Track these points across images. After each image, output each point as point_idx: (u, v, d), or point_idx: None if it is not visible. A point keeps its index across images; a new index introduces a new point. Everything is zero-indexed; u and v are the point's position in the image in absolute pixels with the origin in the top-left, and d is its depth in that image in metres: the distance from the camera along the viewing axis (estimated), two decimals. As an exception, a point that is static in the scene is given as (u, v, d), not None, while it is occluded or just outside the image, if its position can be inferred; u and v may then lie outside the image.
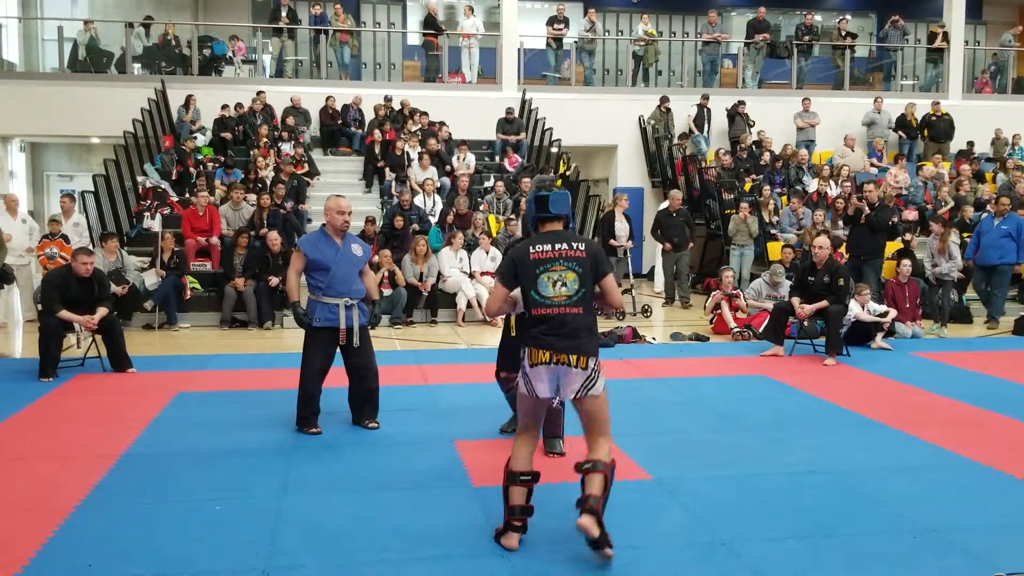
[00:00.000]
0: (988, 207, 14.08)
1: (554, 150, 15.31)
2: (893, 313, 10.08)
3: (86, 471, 5.13)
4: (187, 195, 13.01)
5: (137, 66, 16.60)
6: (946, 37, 18.45)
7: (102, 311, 8.00)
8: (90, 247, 10.03)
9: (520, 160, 15.08)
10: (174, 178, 13.66)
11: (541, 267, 4.04)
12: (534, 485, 4.13)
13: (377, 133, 14.56)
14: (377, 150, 14.30)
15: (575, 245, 4.06)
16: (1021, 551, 4.07)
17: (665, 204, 13.78)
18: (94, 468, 5.18)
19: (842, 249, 11.93)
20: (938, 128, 17.01)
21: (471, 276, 11.64)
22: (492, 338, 10.55)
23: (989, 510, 4.62)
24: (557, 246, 4.06)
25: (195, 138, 14.59)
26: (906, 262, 10.97)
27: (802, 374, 8.12)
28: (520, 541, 4.07)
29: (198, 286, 11.34)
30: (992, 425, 6.41)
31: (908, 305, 10.74)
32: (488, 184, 14.29)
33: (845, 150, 16.05)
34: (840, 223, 12.61)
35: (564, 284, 4.02)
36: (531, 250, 4.08)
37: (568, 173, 14.39)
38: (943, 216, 12.94)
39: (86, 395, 7.29)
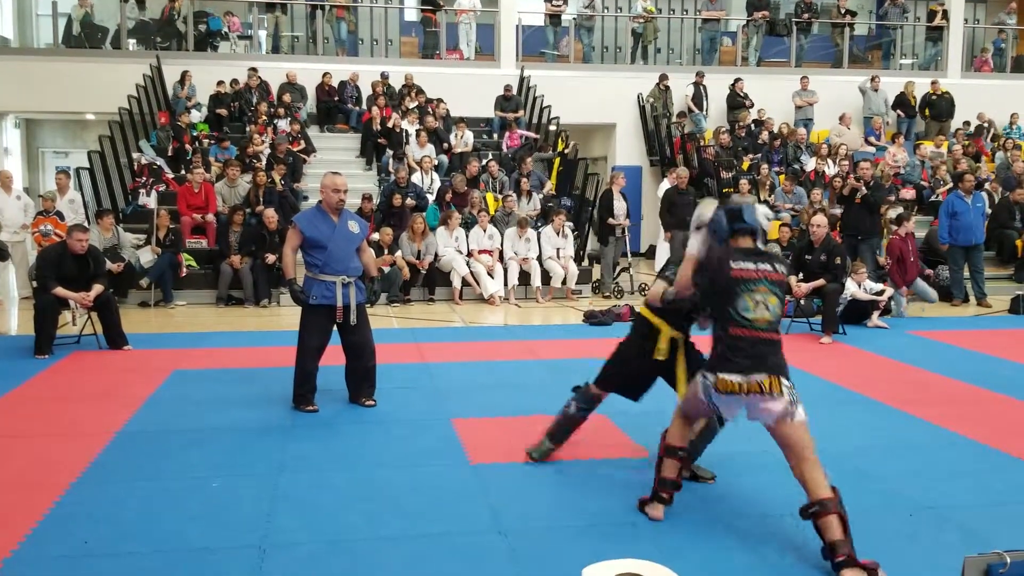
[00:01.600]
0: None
1: (552, 128, 15.24)
2: (889, 292, 10.10)
3: (82, 449, 5.12)
4: (183, 172, 12.95)
5: (132, 42, 16.47)
6: (945, 15, 18.34)
7: (98, 288, 7.99)
8: (85, 224, 9.98)
9: (524, 135, 14.96)
10: (170, 155, 13.59)
11: (745, 286, 3.84)
12: (689, 462, 4.21)
13: (375, 110, 14.47)
14: (377, 126, 14.21)
15: (778, 267, 3.93)
16: (1017, 528, 4.08)
17: (665, 183, 13.74)
18: (90, 446, 5.18)
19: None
20: (939, 107, 16.94)
21: (469, 254, 11.61)
22: (490, 316, 10.57)
23: (985, 488, 4.64)
24: (761, 266, 3.88)
25: (191, 114, 14.50)
26: (911, 219, 10.97)
27: (798, 352, 8.11)
28: (664, 513, 4.12)
29: (194, 263, 11.31)
30: (988, 404, 6.42)
31: (913, 259, 10.71)
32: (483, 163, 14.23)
33: (842, 128, 16.00)
34: (836, 202, 12.58)
35: (767, 308, 3.84)
36: (732, 266, 3.87)
37: (567, 151, 14.33)
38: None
39: (82, 373, 7.28)
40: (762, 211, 4.08)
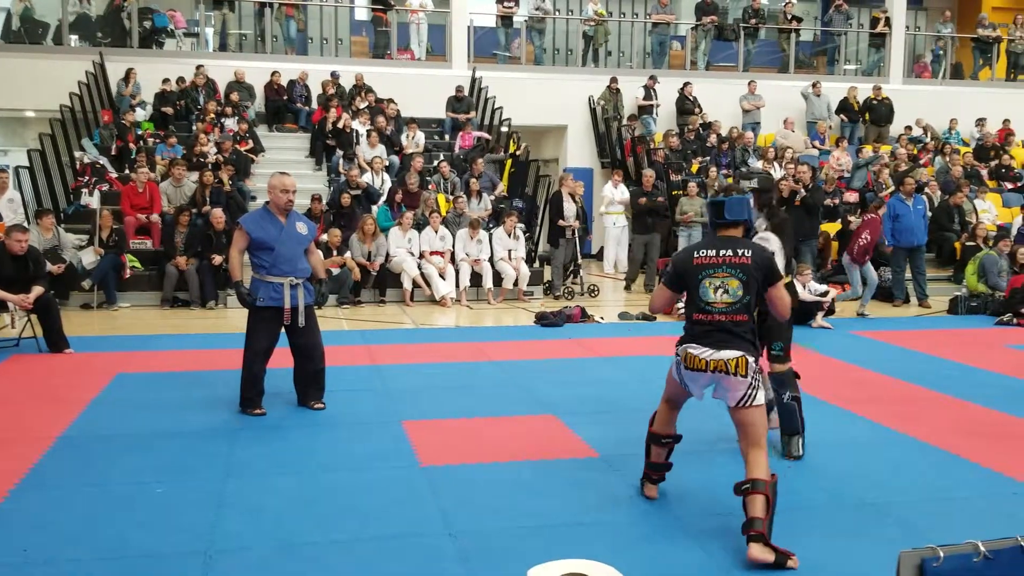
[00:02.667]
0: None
1: (504, 129, 15.26)
2: (833, 293, 10.30)
3: (22, 454, 5.00)
4: (127, 171, 12.71)
5: (74, 38, 16.12)
6: (888, 22, 18.76)
7: (37, 290, 7.81)
8: (25, 224, 9.75)
9: (477, 136, 14.95)
10: (113, 154, 13.33)
11: (705, 272, 3.98)
12: (674, 445, 4.38)
13: (332, 111, 14.35)
14: (329, 127, 14.09)
15: (740, 252, 3.97)
16: (954, 523, 4.19)
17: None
18: (30, 451, 5.06)
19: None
20: (879, 112, 17.34)
21: (420, 256, 11.58)
22: (441, 318, 10.55)
23: (925, 484, 4.75)
24: (723, 252, 3.99)
25: (135, 112, 14.24)
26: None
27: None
28: (658, 492, 4.42)
29: (138, 265, 11.11)
30: (928, 402, 6.58)
31: (872, 240, 11.18)
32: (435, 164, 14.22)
33: (787, 132, 16.27)
34: (777, 205, 12.77)
35: (726, 291, 3.94)
36: (695, 255, 4.04)
37: (518, 153, 14.36)
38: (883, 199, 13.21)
39: (21, 376, 7.11)
40: (748, 203, 4.19)
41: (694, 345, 3.98)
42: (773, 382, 5.11)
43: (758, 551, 3.65)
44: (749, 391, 3.89)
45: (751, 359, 3.90)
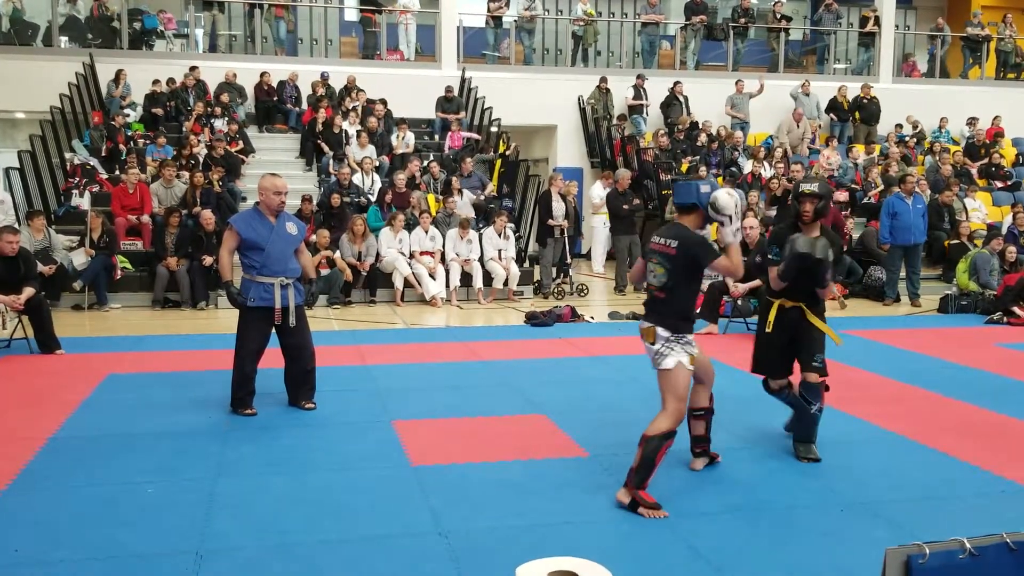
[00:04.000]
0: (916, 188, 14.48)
1: (494, 129, 15.26)
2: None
3: (13, 455, 4.99)
4: (117, 172, 12.68)
5: (64, 39, 16.07)
6: (877, 21, 18.83)
7: (28, 291, 7.80)
8: (15, 226, 9.72)
9: (467, 136, 14.96)
10: (103, 155, 13.29)
11: (650, 255, 4.42)
12: (710, 417, 4.81)
13: (321, 111, 14.34)
14: (320, 128, 14.07)
15: (669, 242, 4.32)
16: (941, 521, 4.22)
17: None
18: (21, 452, 5.05)
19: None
20: (868, 111, 17.40)
21: (411, 256, 11.58)
22: (432, 318, 10.55)
23: (914, 483, 4.78)
24: (660, 240, 4.38)
25: (126, 114, 14.20)
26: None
27: (736, 352, 8.24)
28: (704, 465, 4.86)
29: (129, 266, 11.09)
30: (916, 400, 6.62)
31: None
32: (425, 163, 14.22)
33: (791, 124, 16.24)
34: (770, 203, 12.83)
35: (655, 276, 4.37)
36: (651, 240, 4.48)
37: (508, 153, 14.38)
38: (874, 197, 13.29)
39: (12, 377, 7.10)
40: (704, 189, 4.37)
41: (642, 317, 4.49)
42: (803, 389, 5.10)
43: (620, 493, 4.27)
44: (656, 356, 4.31)
45: (660, 329, 4.30)
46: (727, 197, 4.33)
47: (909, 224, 11.53)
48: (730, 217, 4.31)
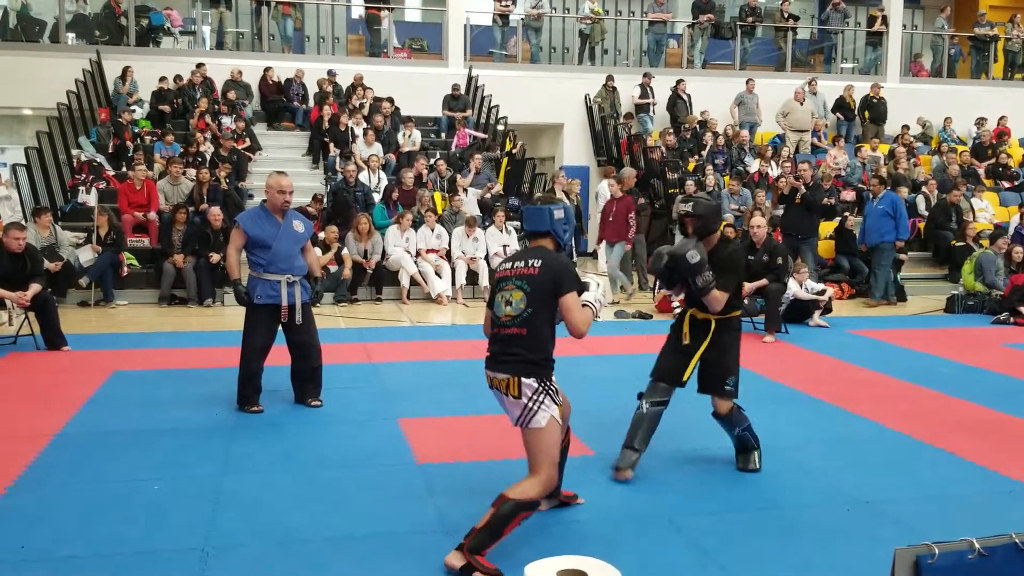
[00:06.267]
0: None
1: (500, 127, 15.25)
2: (830, 292, 10.31)
3: (19, 452, 5.00)
4: (124, 169, 12.71)
5: (71, 36, 16.10)
6: (885, 21, 18.78)
7: (35, 288, 7.82)
8: (22, 222, 9.75)
9: (472, 134, 14.96)
10: (110, 151, 13.32)
11: (499, 285, 3.83)
12: (566, 454, 4.12)
13: (326, 109, 14.35)
14: (326, 125, 14.08)
15: (532, 262, 3.73)
16: (947, 521, 4.20)
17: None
18: (28, 449, 5.06)
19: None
20: (877, 110, 17.36)
21: (417, 254, 11.58)
22: (438, 316, 10.55)
23: (919, 482, 4.77)
24: (517, 264, 3.78)
25: (132, 111, 14.22)
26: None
27: (742, 351, 8.24)
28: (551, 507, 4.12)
29: (135, 263, 11.11)
30: (922, 400, 6.60)
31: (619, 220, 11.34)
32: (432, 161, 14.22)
33: (794, 104, 16.18)
34: (778, 202, 12.80)
35: (510, 304, 3.72)
36: (499, 268, 3.89)
37: (514, 151, 14.37)
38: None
39: (19, 374, 7.11)
40: (558, 215, 3.87)
41: (487, 365, 3.83)
42: (722, 423, 4.88)
43: (451, 556, 3.58)
44: (525, 413, 3.68)
45: (526, 380, 3.67)
46: (594, 287, 3.87)
47: (869, 226, 11.52)
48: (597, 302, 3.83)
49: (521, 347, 3.68)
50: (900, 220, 11.38)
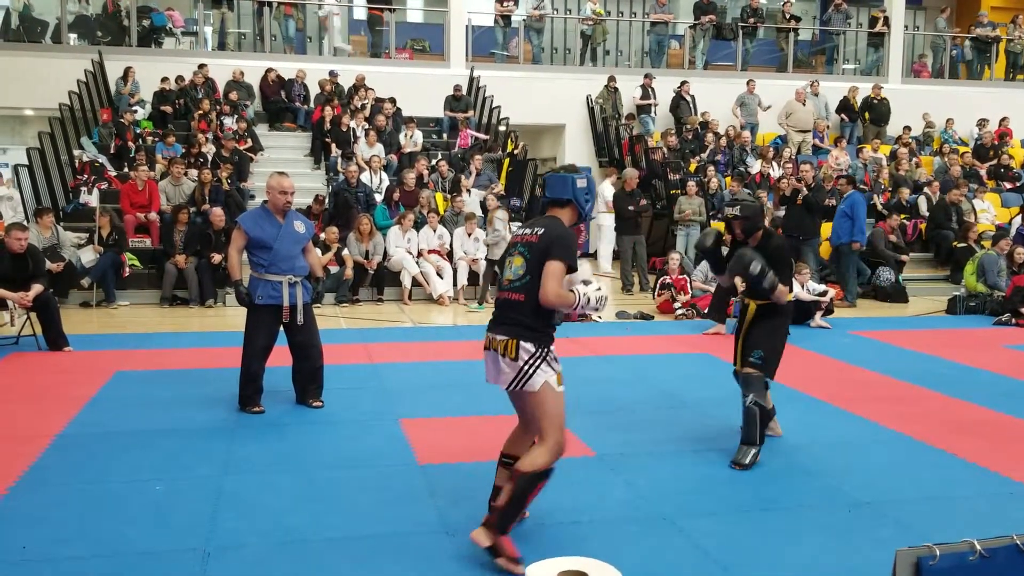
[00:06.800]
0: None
1: (502, 128, 15.26)
2: (832, 293, 10.31)
3: (20, 452, 5.00)
4: (126, 169, 12.72)
5: (73, 36, 16.12)
6: (887, 22, 18.77)
7: (37, 288, 7.82)
8: (24, 223, 9.76)
9: (473, 135, 14.96)
10: (112, 152, 13.33)
11: (508, 251, 3.85)
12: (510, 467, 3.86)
13: (327, 109, 14.36)
14: (328, 126, 14.09)
15: (536, 230, 3.72)
16: (951, 523, 4.20)
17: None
18: (29, 449, 5.06)
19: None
20: (878, 111, 17.36)
21: (418, 255, 11.58)
22: (439, 316, 10.55)
23: (920, 483, 4.76)
24: (525, 231, 3.78)
25: (134, 111, 14.24)
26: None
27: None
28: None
29: (137, 263, 11.12)
30: (924, 401, 6.60)
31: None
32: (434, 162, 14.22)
33: (796, 105, 16.17)
34: (779, 203, 12.79)
35: (511, 268, 3.73)
36: (514, 234, 3.90)
37: (516, 152, 14.37)
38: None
39: (20, 374, 7.11)
40: (580, 184, 3.92)
41: (490, 324, 3.80)
42: (739, 381, 5.11)
43: (477, 533, 3.62)
44: (520, 376, 3.62)
45: (524, 343, 3.62)
46: (592, 288, 3.78)
47: (833, 227, 11.44)
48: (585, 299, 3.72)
49: (520, 312, 3.67)
50: (857, 222, 11.10)
